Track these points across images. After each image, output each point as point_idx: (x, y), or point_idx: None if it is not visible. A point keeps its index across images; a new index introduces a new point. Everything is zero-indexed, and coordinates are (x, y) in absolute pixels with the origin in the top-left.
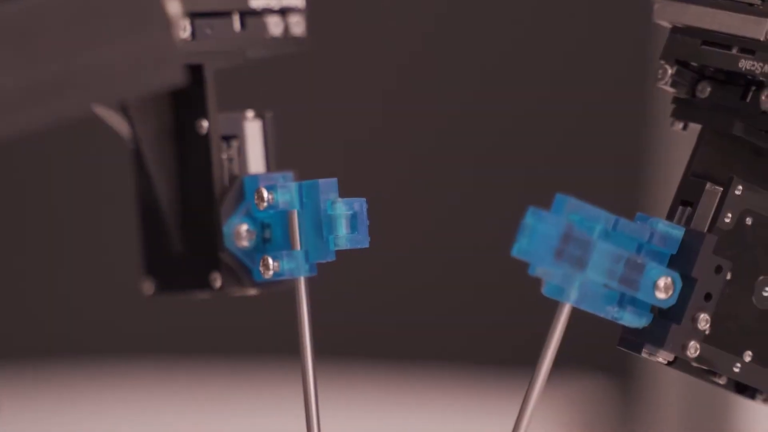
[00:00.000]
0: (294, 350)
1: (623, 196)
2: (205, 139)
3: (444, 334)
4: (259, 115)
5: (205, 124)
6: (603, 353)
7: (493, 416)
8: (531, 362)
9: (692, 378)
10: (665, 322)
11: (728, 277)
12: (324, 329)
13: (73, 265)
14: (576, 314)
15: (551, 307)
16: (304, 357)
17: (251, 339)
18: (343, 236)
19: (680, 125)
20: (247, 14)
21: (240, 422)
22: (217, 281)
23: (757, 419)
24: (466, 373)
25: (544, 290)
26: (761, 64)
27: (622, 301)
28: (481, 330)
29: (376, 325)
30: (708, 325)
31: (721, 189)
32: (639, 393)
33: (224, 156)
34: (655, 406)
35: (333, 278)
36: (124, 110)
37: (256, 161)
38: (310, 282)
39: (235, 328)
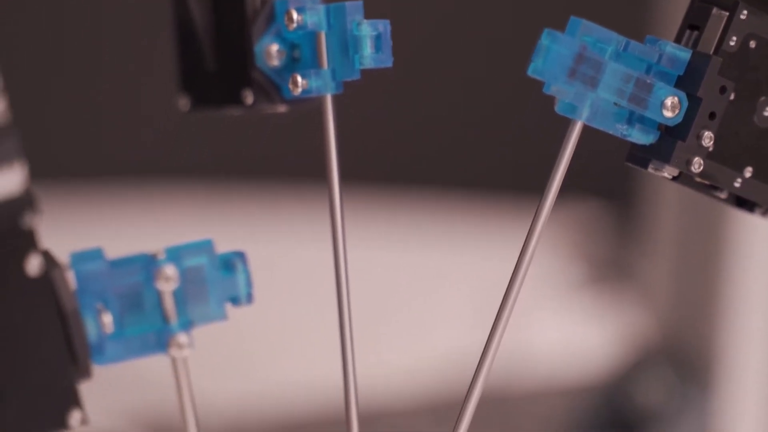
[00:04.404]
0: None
1: (634, 21)
2: None
3: (463, 153)
4: None
5: None
6: (604, 179)
7: (503, 232)
8: (542, 182)
9: (689, 196)
10: (671, 139)
11: (731, 97)
12: (348, 150)
13: (113, 87)
14: (583, 140)
15: (564, 126)
16: (330, 170)
17: (278, 161)
18: (368, 55)
19: None
20: None
21: (266, 243)
22: (249, 98)
23: (750, 234)
24: (486, 192)
25: (558, 108)
26: None
27: (631, 119)
28: (497, 151)
29: (396, 147)
30: (711, 143)
31: (727, 13)
32: (636, 215)
33: None
34: (652, 227)
35: (358, 99)
36: None
37: None
38: (335, 99)
39: (264, 150)
